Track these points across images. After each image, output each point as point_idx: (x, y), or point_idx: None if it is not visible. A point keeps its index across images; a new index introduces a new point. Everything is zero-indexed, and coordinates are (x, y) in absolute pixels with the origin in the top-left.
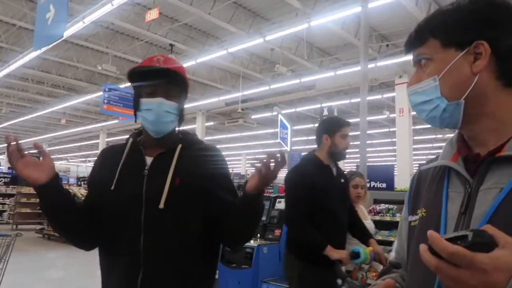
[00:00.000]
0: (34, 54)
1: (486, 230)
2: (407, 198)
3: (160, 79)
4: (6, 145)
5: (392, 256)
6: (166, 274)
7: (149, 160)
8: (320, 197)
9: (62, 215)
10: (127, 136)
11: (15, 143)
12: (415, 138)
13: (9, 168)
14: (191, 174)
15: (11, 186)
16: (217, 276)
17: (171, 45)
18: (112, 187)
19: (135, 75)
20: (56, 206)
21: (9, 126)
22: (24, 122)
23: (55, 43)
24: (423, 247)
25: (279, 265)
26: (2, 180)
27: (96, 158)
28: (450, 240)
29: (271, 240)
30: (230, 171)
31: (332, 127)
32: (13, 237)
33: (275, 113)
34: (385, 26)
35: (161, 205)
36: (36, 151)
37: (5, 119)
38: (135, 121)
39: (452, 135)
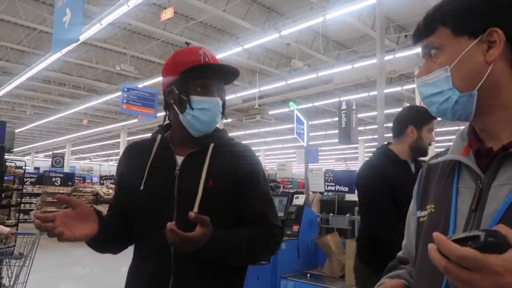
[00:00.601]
0: (55, 56)
1: (499, 231)
2: (415, 192)
3: (217, 77)
4: (32, 145)
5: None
6: (198, 280)
7: (179, 159)
8: (399, 198)
9: (107, 245)
10: (149, 134)
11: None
12: (436, 130)
13: (35, 168)
14: (224, 175)
15: (37, 186)
16: None
17: (187, 43)
18: (141, 187)
19: (189, 70)
20: (102, 242)
21: (33, 128)
22: (47, 123)
23: (74, 45)
24: (432, 246)
25: (298, 261)
26: (28, 180)
27: (120, 157)
28: (460, 240)
29: (289, 236)
30: (264, 169)
31: (420, 119)
32: (38, 235)
33: (292, 108)
34: (403, 17)
35: (195, 209)
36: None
37: (29, 121)
38: (168, 120)
39: None
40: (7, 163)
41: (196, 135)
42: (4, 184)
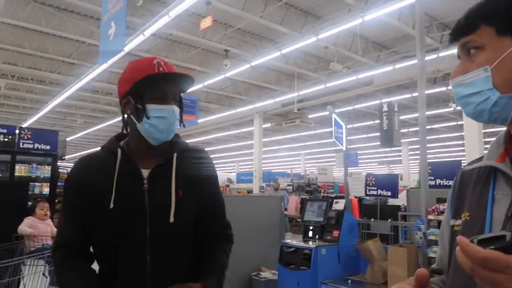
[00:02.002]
0: (102, 68)
1: None
2: (449, 200)
3: (172, 85)
4: (82, 153)
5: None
6: None
7: (145, 172)
8: None
9: None
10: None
11: None
12: (484, 130)
13: None
14: (190, 184)
15: None
16: (276, 277)
17: (226, 50)
18: (111, 206)
19: (141, 80)
20: None
21: (83, 136)
22: (96, 131)
23: (119, 56)
24: (458, 249)
25: (338, 266)
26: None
27: (69, 174)
28: (486, 240)
29: (329, 241)
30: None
31: None
32: None
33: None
34: (446, 14)
35: (171, 219)
36: None
37: (79, 129)
38: (125, 130)
39: None
40: (59, 170)
41: (155, 143)
42: (58, 190)
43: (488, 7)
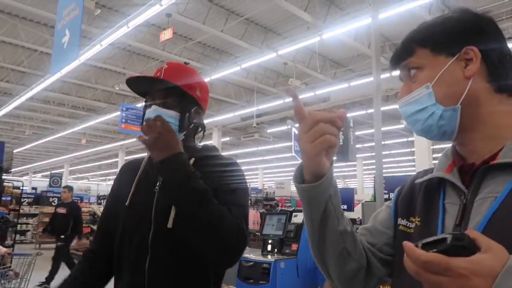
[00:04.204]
0: (55, 77)
1: (467, 234)
2: (394, 199)
3: (155, 88)
4: (30, 165)
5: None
6: None
7: None
8: None
9: None
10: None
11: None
12: (433, 147)
13: (32, 188)
14: None
15: (34, 206)
16: None
17: (185, 63)
18: (127, 203)
19: (133, 85)
20: None
21: (32, 148)
22: (46, 143)
23: (73, 66)
24: (405, 254)
25: (297, 280)
26: (25, 201)
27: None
28: (429, 244)
29: (288, 254)
30: (247, 185)
31: None
32: (33, 256)
33: (289, 126)
34: (398, 36)
35: (169, 225)
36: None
37: (28, 141)
38: None
39: None
40: (4, 183)
41: None
42: (0, 206)
43: (422, 32)
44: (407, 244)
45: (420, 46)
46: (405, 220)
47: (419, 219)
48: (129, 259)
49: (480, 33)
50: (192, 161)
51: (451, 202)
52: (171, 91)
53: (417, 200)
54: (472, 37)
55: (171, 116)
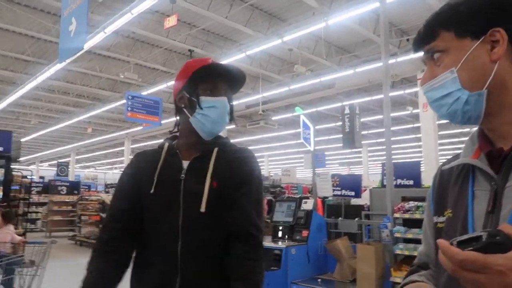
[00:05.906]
0: (59, 66)
1: (502, 230)
2: (430, 198)
3: (224, 77)
4: (36, 155)
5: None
6: (205, 280)
7: (185, 163)
8: None
9: None
10: (153, 142)
11: None
12: (440, 133)
13: (40, 177)
14: (227, 177)
15: (43, 195)
16: None
17: (190, 50)
18: (152, 191)
19: (197, 72)
20: None
21: (38, 137)
22: (52, 132)
23: (78, 54)
24: (440, 252)
25: (308, 266)
26: (34, 189)
27: (128, 164)
28: (464, 242)
29: (299, 241)
30: (262, 173)
31: None
32: (48, 244)
33: (296, 113)
34: (404, 21)
35: (202, 209)
36: None
37: (34, 130)
38: (177, 129)
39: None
40: (13, 173)
41: (205, 137)
42: (12, 194)
43: (445, 14)
44: (442, 242)
45: (444, 29)
46: (440, 216)
47: (450, 211)
48: (158, 246)
49: (507, 13)
50: (215, 150)
51: (481, 188)
52: (235, 84)
53: (448, 191)
54: (497, 18)
55: (227, 104)
